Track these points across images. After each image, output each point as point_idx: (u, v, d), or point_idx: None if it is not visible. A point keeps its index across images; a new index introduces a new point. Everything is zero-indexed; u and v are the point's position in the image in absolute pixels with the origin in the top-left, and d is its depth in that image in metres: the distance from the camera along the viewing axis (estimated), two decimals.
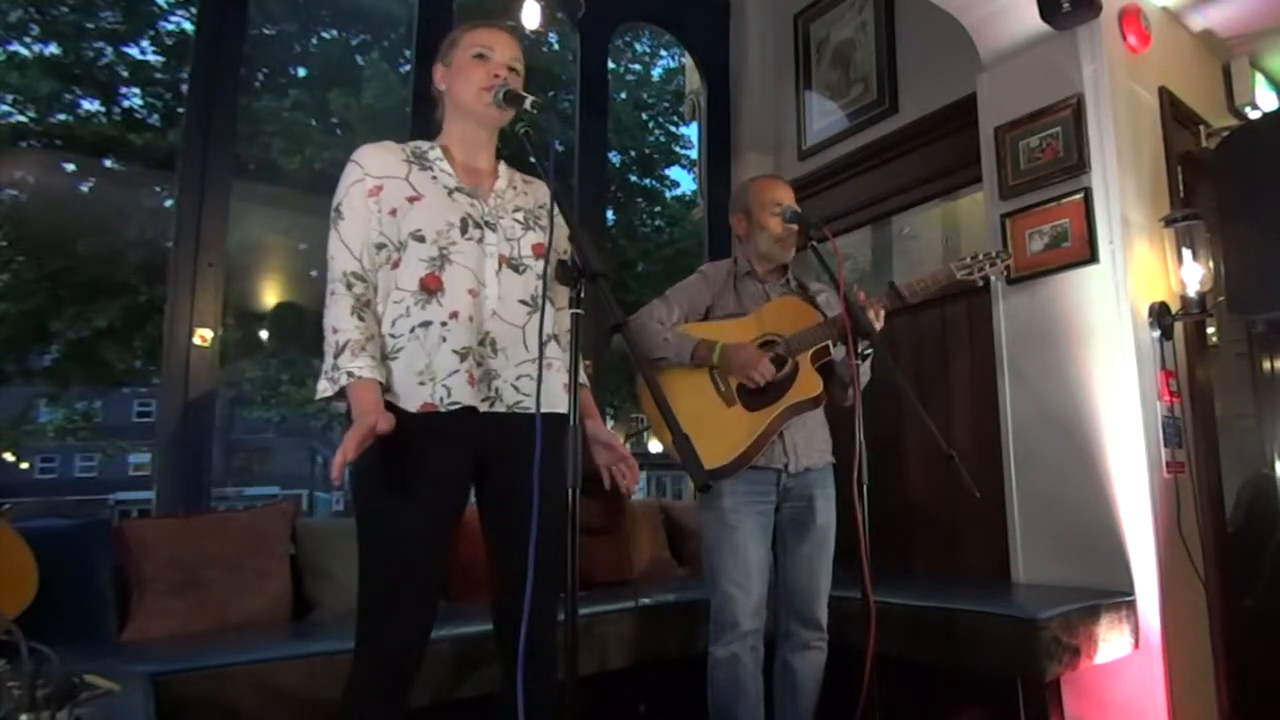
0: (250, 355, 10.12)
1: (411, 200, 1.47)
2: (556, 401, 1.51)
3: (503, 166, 1.64)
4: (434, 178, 1.52)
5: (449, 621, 1.99)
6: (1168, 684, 2.19)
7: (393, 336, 1.45)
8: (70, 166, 8.83)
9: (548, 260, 1.53)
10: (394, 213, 1.46)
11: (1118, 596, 2.22)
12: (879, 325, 1.96)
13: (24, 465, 20.01)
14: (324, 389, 1.41)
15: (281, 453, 19.87)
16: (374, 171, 1.49)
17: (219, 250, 2.59)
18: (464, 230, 1.48)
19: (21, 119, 8.71)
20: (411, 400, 1.42)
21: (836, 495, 2.10)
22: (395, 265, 1.46)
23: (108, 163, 8.92)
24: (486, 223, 1.51)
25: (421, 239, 1.46)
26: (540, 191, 1.65)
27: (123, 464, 20.63)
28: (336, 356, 1.39)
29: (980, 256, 2.09)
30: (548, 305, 1.55)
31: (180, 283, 2.52)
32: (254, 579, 2.18)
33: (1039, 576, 2.47)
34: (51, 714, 1.02)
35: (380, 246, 1.47)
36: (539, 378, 1.42)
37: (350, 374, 1.37)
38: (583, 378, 1.62)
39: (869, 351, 1.99)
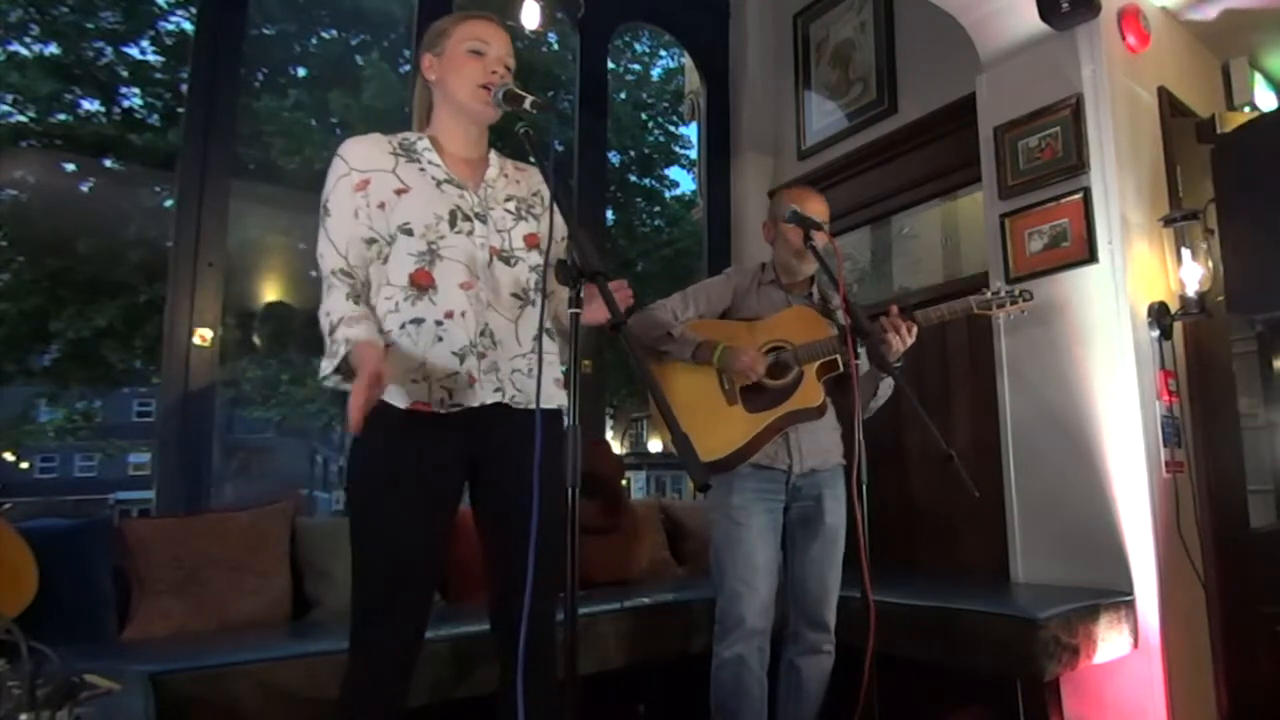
0: (250, 355, 10.11)
1: (399, 193, 1.45)
2: (551, 396, 1.51)
3: (494, 155, 1.61)
4: (422, 169, 1.49)
5: (447, 621, 1.99)
6: (1166, 684, 2.19)
7: (381, 332, 1.43)
8: (70, 166, 8.82)
9: (547, 253, 1.52)
10: (382, 206, 1.45)
11: (1117, 596, 2.22)
12: (911, 341, 1.97)
13: (24, 465, 20.01)
14: (325, 367, 1.40)
15: (281, 453, 19.86)
16: (359, 165, 1.47)
17: (219, 250, 2.59)
18: (453, 223, 1.46)
19: (21, 119, 8.72)
20: (401, 398, 1.41)
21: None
22: (385, 260, 1.45)
23: (108, 163, 8.92)
24: (476, 214, 1.49)
25: (409, 232, 1.44)
26: (534, 179, 1.64)
27: (122, 464, 20.64)
28: (332, 333, 1.39)
29: (1002, 293, 2.10)
30: (538, 300, 1.54)
31: (180, 283, 2.52)
32: (254, 579, 2.18)
33: (1038, 576, 2.48)
34: (51, 713, 1.02)
35: (371, 241, 1.46)
36: (539, 374, 1.42)
37: (348, 340, 1.37)
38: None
39: (899, 364, 1.98)
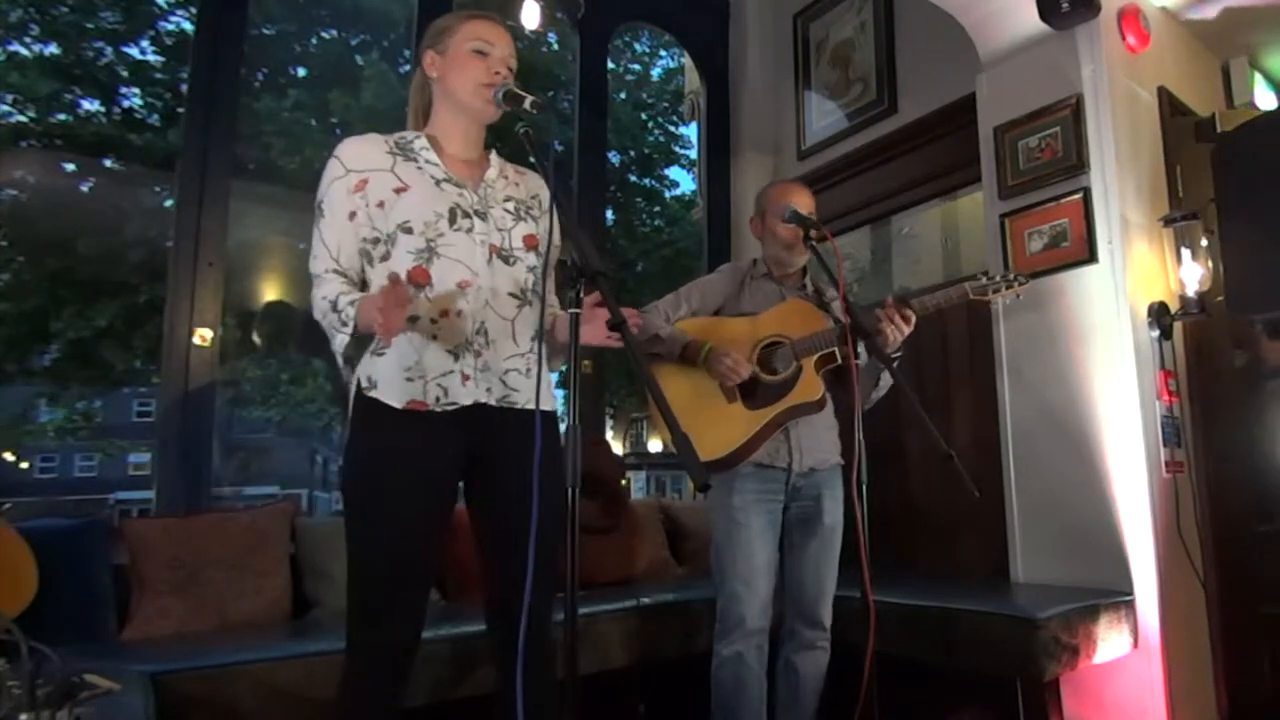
0: (250, 355, 10.11)
1: (398, 191, 1.45)
2: (545, 398, 1.51)
3: (493, 156, 1.62)
4: (419, 168, 1.50)
5: (446, 621, 1.99)
6: (1166, 683, 2.19)
7: None
8: (70, 166, 8.81)
9: (546, 255, 1.52)
10: (381, 205, 1.45)
11: (1116, 596, 2.22)
12: (908, 330, 1.97)
13: (24, 465, 19.99)
14: (342, 340, 1.40)
15: (281, 452, 19.86)
16: (355, 165, 1.47)
17: (219, 250, 2.59)
18: (452, 220, 1.46)
19: (21, 119, 8.70)
20: (397, 396, 1.41)
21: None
22: (386, 259, 1.45)
23: (108, 163, 8.91)
24: (476, 212, 1.49)
25: (409, 230, 1.44)
26: (533, 183, 1.64)
27: (122, 464, 20.61)
28: (335, 307, 1.40)
29: (997, 278, 2.09)
30: (535, 301, 1.54)
31: (180, 282, 2.52)
32: (254, 579, 2.18)
33: (1038, 576, 2.48)
34: (51, 713, 1.02)
35: (375, 241, 1.46)
36: (539, 375, 1.42)
37: (352, 302, 1.38)
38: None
39: (899, 355, 1.99)
